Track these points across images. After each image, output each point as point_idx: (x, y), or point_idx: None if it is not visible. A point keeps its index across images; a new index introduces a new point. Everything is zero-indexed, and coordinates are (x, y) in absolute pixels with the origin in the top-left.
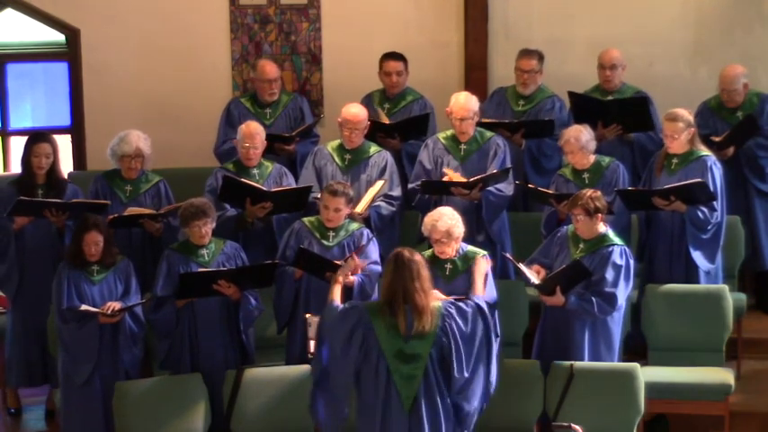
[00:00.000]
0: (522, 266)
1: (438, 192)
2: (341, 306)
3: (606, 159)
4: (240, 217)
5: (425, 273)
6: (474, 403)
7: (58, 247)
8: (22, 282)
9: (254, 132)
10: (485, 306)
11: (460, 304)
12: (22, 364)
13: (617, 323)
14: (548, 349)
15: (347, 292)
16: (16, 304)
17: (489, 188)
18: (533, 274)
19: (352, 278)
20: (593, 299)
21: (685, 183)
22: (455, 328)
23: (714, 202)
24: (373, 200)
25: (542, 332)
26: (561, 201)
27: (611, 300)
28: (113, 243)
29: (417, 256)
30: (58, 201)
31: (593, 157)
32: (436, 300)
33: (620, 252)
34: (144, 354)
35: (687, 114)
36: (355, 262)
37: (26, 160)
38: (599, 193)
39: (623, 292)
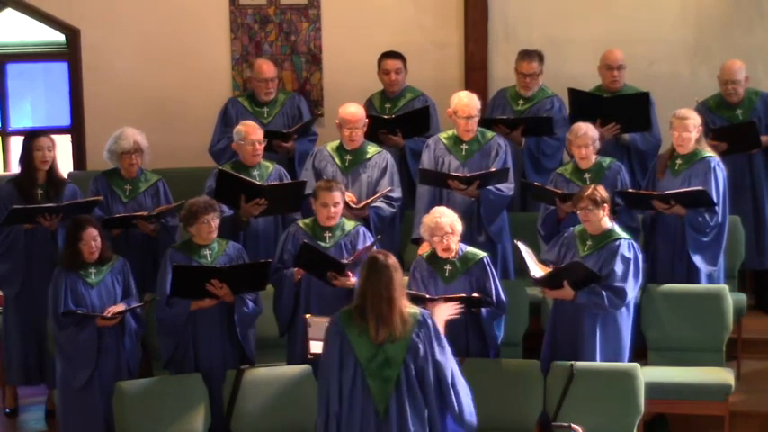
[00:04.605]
0: (528, 258)
1: (436, 183)
2: None
3: (607, 160)
4: (236, 217)
5: (399, 277)
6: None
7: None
8: (24, 281)
9: (255, 127)
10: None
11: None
12: (21, 362)
13: (626, 320)
14: (559, 351)
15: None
16: (16, 303)
17: (489, 187)
18: (538, 268)
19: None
20: (604, 292)
21: (686, 190)
22: (432, 339)
23: (714, 206)
24: (374, 200)
25: (552, 334)
26: (566, 200)
27: (620, 294)
28: (106, 238)
29: (392, 260)
30: (51, 205)
31: (594, 157)
32: (412, 306)
33: (627, 245)
34: (144, 354)
35: (696, 114)
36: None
37: (27, 157)
38: (600, 186)
39: (633, 286)
